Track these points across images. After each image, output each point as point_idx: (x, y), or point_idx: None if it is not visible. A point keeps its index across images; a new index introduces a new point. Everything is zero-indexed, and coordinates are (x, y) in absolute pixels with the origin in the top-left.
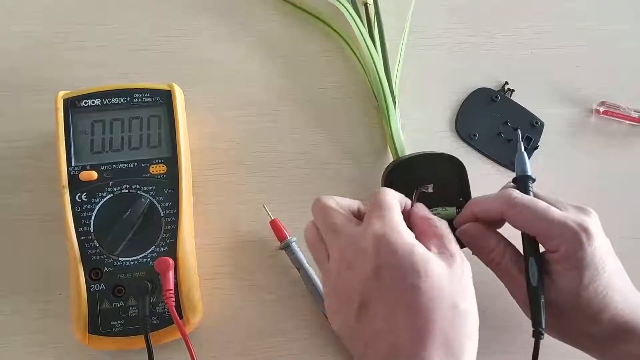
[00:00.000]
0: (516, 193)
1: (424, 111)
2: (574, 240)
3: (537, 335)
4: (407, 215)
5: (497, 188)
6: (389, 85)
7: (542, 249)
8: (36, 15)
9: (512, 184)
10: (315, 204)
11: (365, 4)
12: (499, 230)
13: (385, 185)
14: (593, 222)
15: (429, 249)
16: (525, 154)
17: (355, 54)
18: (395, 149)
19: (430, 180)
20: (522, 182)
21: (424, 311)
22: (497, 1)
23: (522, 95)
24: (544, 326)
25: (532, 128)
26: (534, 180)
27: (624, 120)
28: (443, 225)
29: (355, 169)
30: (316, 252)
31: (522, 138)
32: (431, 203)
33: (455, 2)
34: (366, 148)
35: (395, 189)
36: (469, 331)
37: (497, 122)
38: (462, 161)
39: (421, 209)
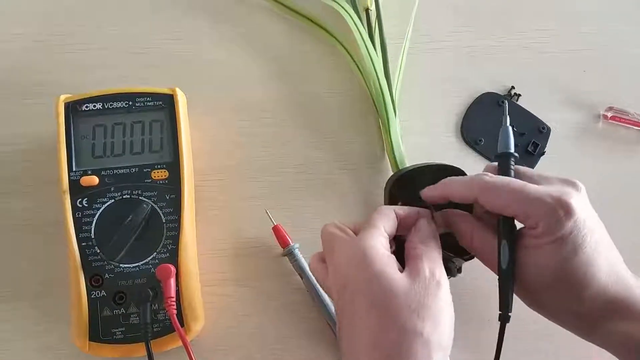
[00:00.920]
0: (489, 177)
1: (428, 116)
2: (550, 215)
3: (504, 320)
4: (408, 226)
5: None
6: (390, 95)
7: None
8: (37, 18)
9: (494, 164)
10: (322, 231)
11: (367, 10)
12: None
13: (389, 197)
14: (575, 196)
15: (405, 267)
16: (510, 128)
17: (354, 61)
18: (395, 160)
19: None
20: (504, 159)
21: (371, 332)
22: (503, 4)
23: (529, 100)
24: (511, 310)
25: (538, 133)
26: (516, 157)
27: (632, 126)
28: (421, 248)
29: (357, 174)
30: (318, 273)
31: (529, 144)
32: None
33: (460, 5)
34: (367, 152)
35: (398, 201)
36: (419, 354)
37: None
38: (468, 166)
39: (418, 226)
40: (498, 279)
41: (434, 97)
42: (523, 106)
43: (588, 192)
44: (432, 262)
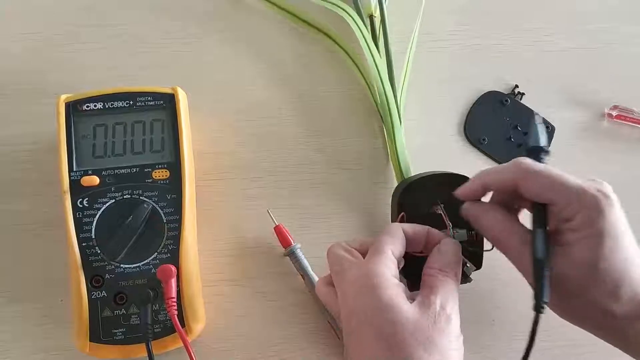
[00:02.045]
0: (529, 160)
1: (432, 115)
2: (594, 205)
3: (538, 309)
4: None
5: None
6: (395, 103)
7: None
8: (38, 18)
9: (523, 157)
10: (328, 252)
11: (371, 16)
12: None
13: (397, 207)
14: (609, 189)
15: (417, 297)
16: (542, 125)
17: (358, 67)
18: (400, 167)
19: (441, 201)
20: (535, 153)
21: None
22: (507, 3)
23: (533, 98)
24: (547, 299)
25: None
26: (547, 152)
27: (636, 125)
28: (438, 278)
29: (358, 175)
30: (325, 297)
31: None
32: (442, 225)
33: (463, 4)
34: (370, 154)
35: (407, 211)
36: None
37: (507, 126)
38: (471, 165)
39: (442, 248)
40: (533, 270)
41: (437, 96)
42: (527, 105)
43: None
44: (445, 294)
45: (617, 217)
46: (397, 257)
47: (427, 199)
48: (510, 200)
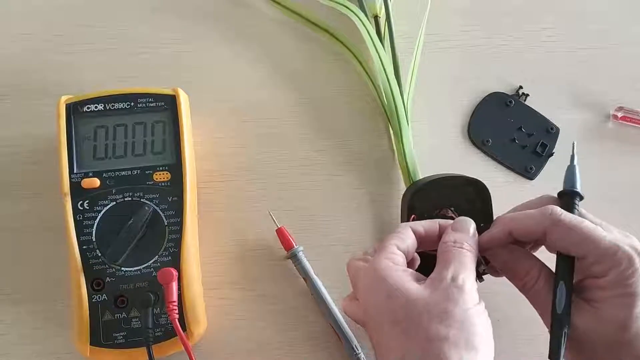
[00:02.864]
0: (559, 210)
1: (435, 116)
2: (627, 264)
3: None
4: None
5: (510, 197)
6: (402, 104)
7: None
8: (38, 19)
9: (553, 196)
10: (347, 266)
11: (376, 17)
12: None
13: (407, 210)
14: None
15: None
16: (577, 167)
17: (364, 68)
18: (408, 169)
19: (451, 204)
20: (569, 198)
21: (400, 348)
22: (512, 3)
23: (537, 100)
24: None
25: (547, 134)
26: (582, 197)
27: None
28: (453, 251)
29: (363, 177)
30: (351, 312)
31: (538, 145)
32: None
33: (467, 4)
34: (374, 156)
35: (417, 214)
36: (449, 356)
37: (511, 127)
38: (474, 167)
39: (456, 225)
40: (550, 325)
41: (441, 97)
42: (531, 106)
43: (598, 193)
44: (457, 266)
45: None
46: (404, 250)
47: (438, 202)
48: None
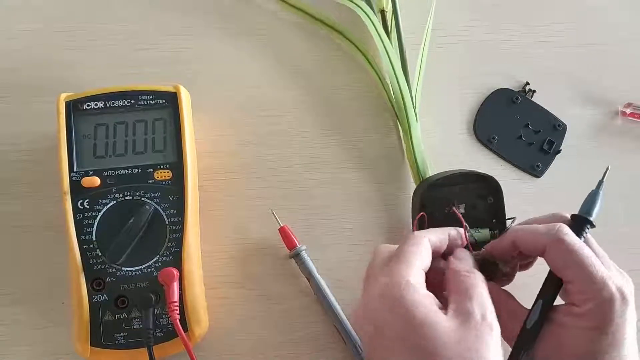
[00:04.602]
0: (568, 229)
1: (441, 113)
2: (608, 302)
3: None
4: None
5: (516, 194)
6: (411, 100)
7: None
8: (38, 15)
9: (565, 216)
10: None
11: (382, 11)
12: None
13: (418, 207)
14: (630, 291)
15: (448, 305)
16: (601, 194)
17: (371, 64)
18: (417, 165)
19: (462, 200)
20: (580, 223)
21: None
22: None
23: (544, 96)
24: None
25: (554, 131)
26: (593, 226)
27: None
28: (469, 279)
29: (368, 174)
30: (358, 324)
31: (545, 142)
32: (462, 224)
33: None
34: (379, 153)
35: (428, 211)
36: None
37: (517, 124)
38: (480, 164)
39: (459, 255)
40: (515, 341)
41: (447, 93)
42: (538, 103)
43: (606, 190)
44: (482, 300)
45: (626, 319)
46: (425, 268)
47: (450, 199)
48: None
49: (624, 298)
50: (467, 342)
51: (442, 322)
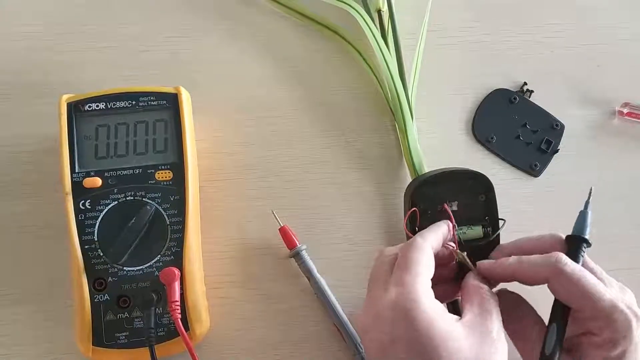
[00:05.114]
0: (565, 259)
1: (439, 113)
2: (624, 325)
3: None
4: (445, 256)
5: (514, 193)
6: (406, 99)
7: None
8: (39, 16)
9: (560, 236)
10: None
11: (379, 11)
12: None
13: (409, 204)
14: (635, 302)
15: (465, 315)
16: (589, 213)
17: (368, 64)
18: (413, 164)
19: (455, 198)
20: (576, 244)
21: None
22: None
23: (542, 96)
24: None
25: (552, 130)
26: (589, 245)
27: None
28: (491, 300)
29: (368, 174)
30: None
31: (543, 141)
32: (456, 222)
33: None
34: (379, 153)
35: (420, 208)
36: None
37: (515, 124)
38: (478, 164)
39: (484, 267)
40: None
41: (444, 93)
42: (536, 103)
43: (603, 191)
44: (497, 317)
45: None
46: (431, 276)
47: (442, 196)
48: None
49: (636, 315)
50: (482, 355)
51: (459, 338)
